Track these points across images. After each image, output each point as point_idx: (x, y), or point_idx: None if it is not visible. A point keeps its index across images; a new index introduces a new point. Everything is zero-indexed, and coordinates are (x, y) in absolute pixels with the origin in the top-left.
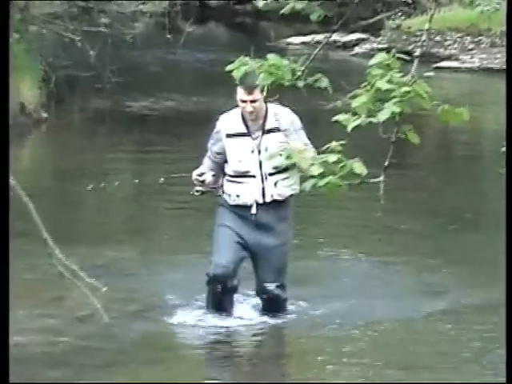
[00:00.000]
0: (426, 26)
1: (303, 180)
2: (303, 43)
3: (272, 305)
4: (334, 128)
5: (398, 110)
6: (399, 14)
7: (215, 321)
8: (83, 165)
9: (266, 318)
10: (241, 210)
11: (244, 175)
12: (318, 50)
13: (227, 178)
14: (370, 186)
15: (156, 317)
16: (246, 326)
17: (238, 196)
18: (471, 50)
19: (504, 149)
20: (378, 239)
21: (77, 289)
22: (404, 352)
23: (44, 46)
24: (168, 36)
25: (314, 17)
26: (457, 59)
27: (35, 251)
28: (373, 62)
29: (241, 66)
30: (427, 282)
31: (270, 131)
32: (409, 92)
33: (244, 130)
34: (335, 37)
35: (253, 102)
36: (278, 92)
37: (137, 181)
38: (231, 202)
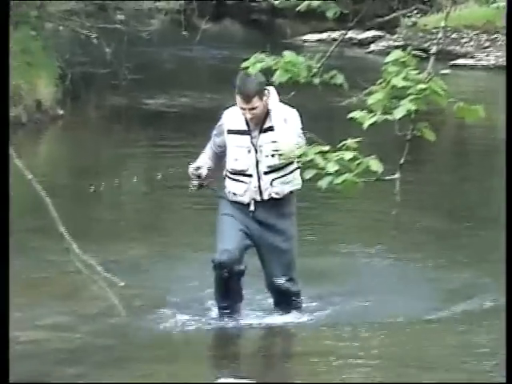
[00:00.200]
0: (442, 24)
1: (318, 178)
2: (319, 40)
3: (282, 299)
4: (349, 125)
5: (413, 107)
6: (415, 11)
7: (227, 318)
8: (99, 162)
9: (279, 315)
10: (241, 206)
11: (241, 173)
12: (333, 47)
13: (227, 174)
14: (385, 183)
15: (169, 314)
16: (258, 324)
17: (234, 194)
18: (487, 47)
19: None
20: (394, 236)
21: (93, 284)
22: (420, 351)
23: (60, 43)
24: (184, 33)
25: (329, 14)
26: (473, 57)
27: (50, 247)
28: (389, 59)
29: (256, 62)
30: (444, 280)
31: (266, 130)
32: (425, 89)
33: (244, 128)
34: (351, 34)
35: (252, 109)
36: (294, 89)
37: (159, 176)
38: (230, 199)
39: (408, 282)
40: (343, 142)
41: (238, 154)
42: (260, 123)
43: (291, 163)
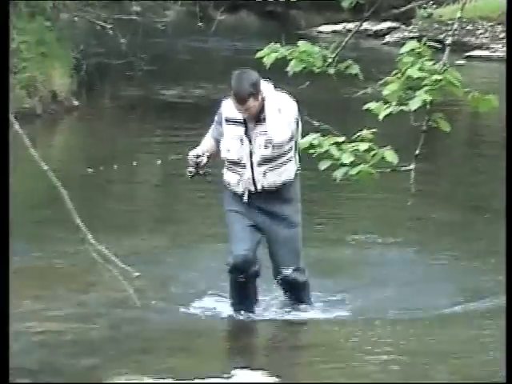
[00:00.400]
0: (458, 15)
1: (334, 169)
2: (334, 32)
3: (290, 289)
4: (364, 116)
5: (429, 98)
6: (431, 2)
7: (244, 309)
8: (114, 152)
9: (293, 307)
10: (239, 196)
11: (235, 163)
12: (349, 37)
13: (225, 163)
14: (400, 174)
15: (186, 305)
16: (274, 316)
17: (228, 184)
18: (502, 38)
19: None
20: (409, 228)
21: (109, 275)
22: (435, 344)
23: (75, 34)
24: (199, 24)
25: (345, 4)
26: (488, 48)
27: (66, 238)
28: (404, 49)
29: (271, 52)
30: (459, 272)
31: (261, 121)
32: (440, 80)
33: (241, 118)
34: (366, 25)
35: (247, 109)
36: (308, 79)
37: (159, 162)
38: (227, 189)
39: (424, 273)
40: (358, 133)
41: (231, 144)
42: (256, 115)
43: (284, 155)
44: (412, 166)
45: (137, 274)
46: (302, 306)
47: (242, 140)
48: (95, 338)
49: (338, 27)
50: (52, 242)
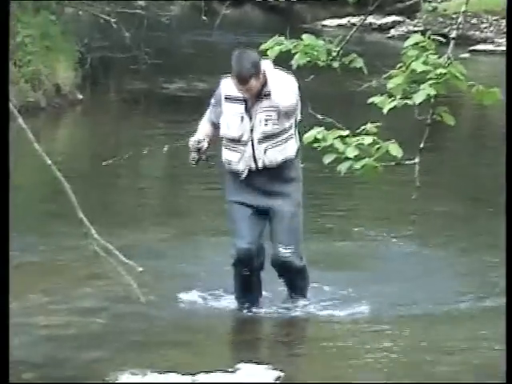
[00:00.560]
0: (463, 9)
1: (338, 162)
2: (339, 26)
3: (285, 272)
4: (368, 110)
5: (433, 91)
6: None
7: (247, 310)
8: (118, 146)
9: (297, 301)
10: (238, 176)
11: (235, 141)
12: (353, 30)
13: (223, 143)
14: (404, 168)
15: (188, 298)
16: (278, 310)
17: (229, 163)
18: None
19: None
20: (413, 221)
21: (112, 269)
22: (443, 339)
23: (80, 28)
24: (203, 18)
25: None
26: (492, 42)
27: (70, 233)
28: (408, 43)
29: (275, 45)
30: (463, 266)
31: (262, 97)
32: (444, 74)
33: (241, 96)
34: (371, 19)
35: (249, 89)
36: (313, 73)
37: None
38: (226, 168)
39: (427, 267)
40: (363, 127)
41: (231, 121)
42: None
43: (285, 131)
44: (417, 160)
45: (140, 269)
46: (305, 301)
47: (242, 117)
48: (99, 331)
49: (343, 21)
50: (56, 236)
